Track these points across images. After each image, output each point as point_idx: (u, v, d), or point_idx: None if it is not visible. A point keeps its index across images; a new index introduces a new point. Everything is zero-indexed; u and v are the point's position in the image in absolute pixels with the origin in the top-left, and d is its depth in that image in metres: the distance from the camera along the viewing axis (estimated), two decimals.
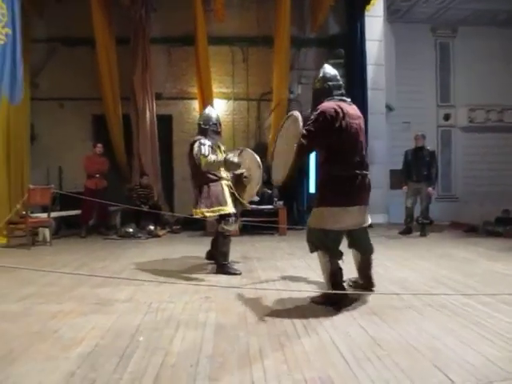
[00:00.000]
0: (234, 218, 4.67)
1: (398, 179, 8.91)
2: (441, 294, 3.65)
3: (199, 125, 5.00)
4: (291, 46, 9.34)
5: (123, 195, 8.82)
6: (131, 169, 9.48)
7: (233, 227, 4.72)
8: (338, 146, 3.38)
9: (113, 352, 2.47)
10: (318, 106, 3.42)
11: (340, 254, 3.49)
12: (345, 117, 3.35)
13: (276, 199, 8.43)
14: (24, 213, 6.67)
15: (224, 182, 4.77)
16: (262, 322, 2.99)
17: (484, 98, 11.70)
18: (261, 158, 4.92)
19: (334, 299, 3.36)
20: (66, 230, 8.59)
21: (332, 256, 3.42)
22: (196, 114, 9.69)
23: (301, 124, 3.33)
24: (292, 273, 4.68)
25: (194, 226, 8.65)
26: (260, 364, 2.30)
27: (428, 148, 8.09)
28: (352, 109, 3.52)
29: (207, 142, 4.64)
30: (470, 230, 8.32)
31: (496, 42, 11.63)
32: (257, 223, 7.87)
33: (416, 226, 8.05)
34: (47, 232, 7.04)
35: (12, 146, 8.01)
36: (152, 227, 8.00)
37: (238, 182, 4.95)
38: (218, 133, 4.99)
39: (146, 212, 8.27)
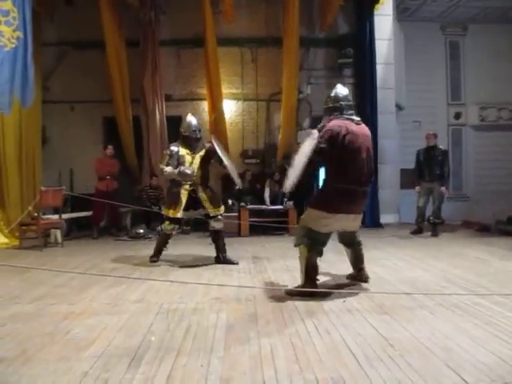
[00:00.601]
0: (175, 222, 5.24)
1: (409, 179, 8.86)
2: (453, 294, 3.62)
3: (180, 132, 5.40)
4: (300, 46, 9.32)
5: (134, 196, 8.86)
6: (141, 170, 9.53)
7: (170, 228, 5.24)
8: (339, 160, 3.64)
9: (125, 352, 2.48)
10: (326, 124, 3.74)
11: (320, 252, 3.81)
12: (347, 135, 3.60)
13: (286, 200, 8.41)
14: (36, 214, 6.73)
15: (185, 188, 5.16)
16: (272, 323, 2.99)
17: (495, 96, 11.60)
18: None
19: (308, 293, 3.62)
20: (77, 231, 8.65)
21: (312, 251, 3.73)
22: (206, 115, 9.71)
23: (313, 143, 3.59)
24: None
25: (203, 226, 8.66)
26: (271, 364, 2.30)
27: (440, 147, 8.02)
28: (359, 128, 3.75)
29: (174, 151, 5.17)
30: (482, 229, 8.24)
31: (506, 40, 11.52)
32: (266, 224, 7.87)
33: (427, 225, 7.98)
34: (59, 233, 7.10)
35: (24, 148, 8.11)
36: None
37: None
38: (198, 139, 5.33)
39: (157, 213, 8.30)
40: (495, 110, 11.68)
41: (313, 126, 10.03)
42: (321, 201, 3.79)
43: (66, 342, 2.67)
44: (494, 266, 4.95)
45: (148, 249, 6.60)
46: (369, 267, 4.86)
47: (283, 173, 8.89)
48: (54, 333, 2.83)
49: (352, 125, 3.71)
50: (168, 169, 5.08)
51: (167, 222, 5.22)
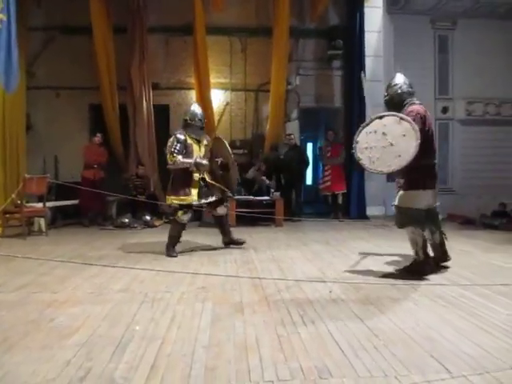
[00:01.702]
0: (189, 210, 5.25)
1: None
2: (437, 285, 3.66)
3: (185, 120, 5.42)
4: (290, 37, 9.25)
5: (119, 185, 8.77)
6: (127, 159, 9.42)
7: (186, 218, 5.23)
8: (426, 140, 3.90)
9: (108, 341, 2.46)
10: (411, 109, 4.04)
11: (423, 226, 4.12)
12: (427, 117, 4.09)
13: (273, 190, 8.40)
14: (19, 202, 6.63)
15: (196, 175, 5.25)
16: (258, 312, 2.99)
17: (482, 91, 11.67)
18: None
19: (420, 268, 4.07)
20: (62, 220, 8.54)
21: (421, 229, 4.08)
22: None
23: (416, 128, 3.73)
24: (288, 263, 4.69)
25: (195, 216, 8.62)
26: (256, 353, 2.30)
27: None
28: (427, 111, 4.15)
29: (181, 139, 5.18)
30: (467, 222, 8.34)
31: (495, 35, 11.57)
32: (253, 214, 7.85)
33: None
34: (43, 222, 7.00)
35: (7, 134, 7.96)
36: (148, 217, 7.96)
37: (224, 170, 5.50)
38: (202, 128, 5.51)
39: (143, 202, 8.24)
40: (482, 105, 11.75)
41: (301, 116, 10.10)
42: (416, 181, 4.04)
43: (50, 331, 2.64)
44: (477, 258, 5.02)
45: (133, 238, 6.58)
46: (354, 258, 4.92)
47: (269, 164, 8.95)
48: (38, 321, 2.80)
49: (423, 108, 4.12)
50: (180, 157, 5.10)
51: (181, 211, 5.21)
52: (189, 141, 5.26)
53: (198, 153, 5.30)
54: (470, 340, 2.47)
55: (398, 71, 4.53)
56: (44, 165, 9.49)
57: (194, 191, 5.20)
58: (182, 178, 5.18)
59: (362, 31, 9.46)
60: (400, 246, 5.76)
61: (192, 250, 5.50)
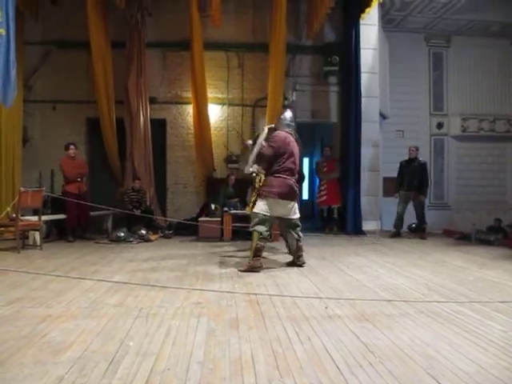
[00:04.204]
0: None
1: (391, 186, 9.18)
2: (433, 302, 3.65)
3: None
4: (287, 53, 9.34)
5: (115, 199, 8.74)
6: (124, 173, 9.42)
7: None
8: (276, 158, 5.18)
9: (102, 357, 2.43)
10: (274, 133, 5.32)
11: (265, 238, 5.20)
12: (290, 142, 5.26)
13: None
14: (14, 215, 6.59)
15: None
16: (253, 328, 2.96)
17: (477, 108, 11.83)
18: None
19: (255, 267, 5.06)
20: (57, 234, 8.48)
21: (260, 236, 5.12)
22: (190, 118, 9.68)
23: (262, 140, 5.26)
24: (284, 279, 4.67)
25: (186, 231, 8.61)
26: (252, 370, 2.27)
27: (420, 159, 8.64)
28: (292, 140, 5.34)
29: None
30: (463, 237, 8.36)
31: (489, 53, 11.77)
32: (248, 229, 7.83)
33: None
34: (38, 235, 6.95)
35: (3, 148, 7.95)
36: (144, 232, 7.92)
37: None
38: None
39: (138, 216, 8.21)
40: (476, 121, 11.89)
41: (297, 132, 10.14)
42: (264, 191, 5.17)
43: (43, 346, 2.60)
44: (473, 274, 5.01)
45: (129, 252, 6.55)
46: (351, 274, 4.91)
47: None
48: (30, 336, 2.77)
49: (289, 136, 5.32)
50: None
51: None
52: None
53: None
54: (466, 357, 2.46)
55: (288, 108, 6.13)
56: (40, 178, 9.47)
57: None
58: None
59: (358, 48, 9.55)
60: (395, 262, 5.77)
61: (187, 265, 5.47)
